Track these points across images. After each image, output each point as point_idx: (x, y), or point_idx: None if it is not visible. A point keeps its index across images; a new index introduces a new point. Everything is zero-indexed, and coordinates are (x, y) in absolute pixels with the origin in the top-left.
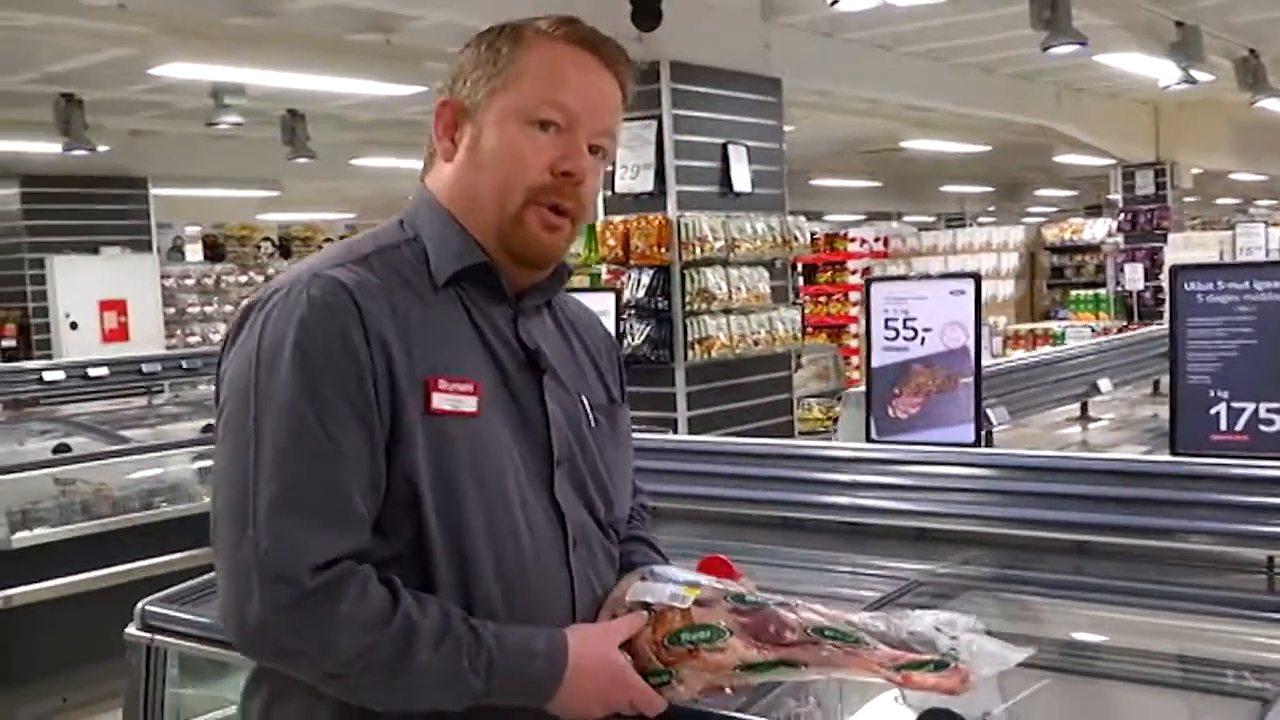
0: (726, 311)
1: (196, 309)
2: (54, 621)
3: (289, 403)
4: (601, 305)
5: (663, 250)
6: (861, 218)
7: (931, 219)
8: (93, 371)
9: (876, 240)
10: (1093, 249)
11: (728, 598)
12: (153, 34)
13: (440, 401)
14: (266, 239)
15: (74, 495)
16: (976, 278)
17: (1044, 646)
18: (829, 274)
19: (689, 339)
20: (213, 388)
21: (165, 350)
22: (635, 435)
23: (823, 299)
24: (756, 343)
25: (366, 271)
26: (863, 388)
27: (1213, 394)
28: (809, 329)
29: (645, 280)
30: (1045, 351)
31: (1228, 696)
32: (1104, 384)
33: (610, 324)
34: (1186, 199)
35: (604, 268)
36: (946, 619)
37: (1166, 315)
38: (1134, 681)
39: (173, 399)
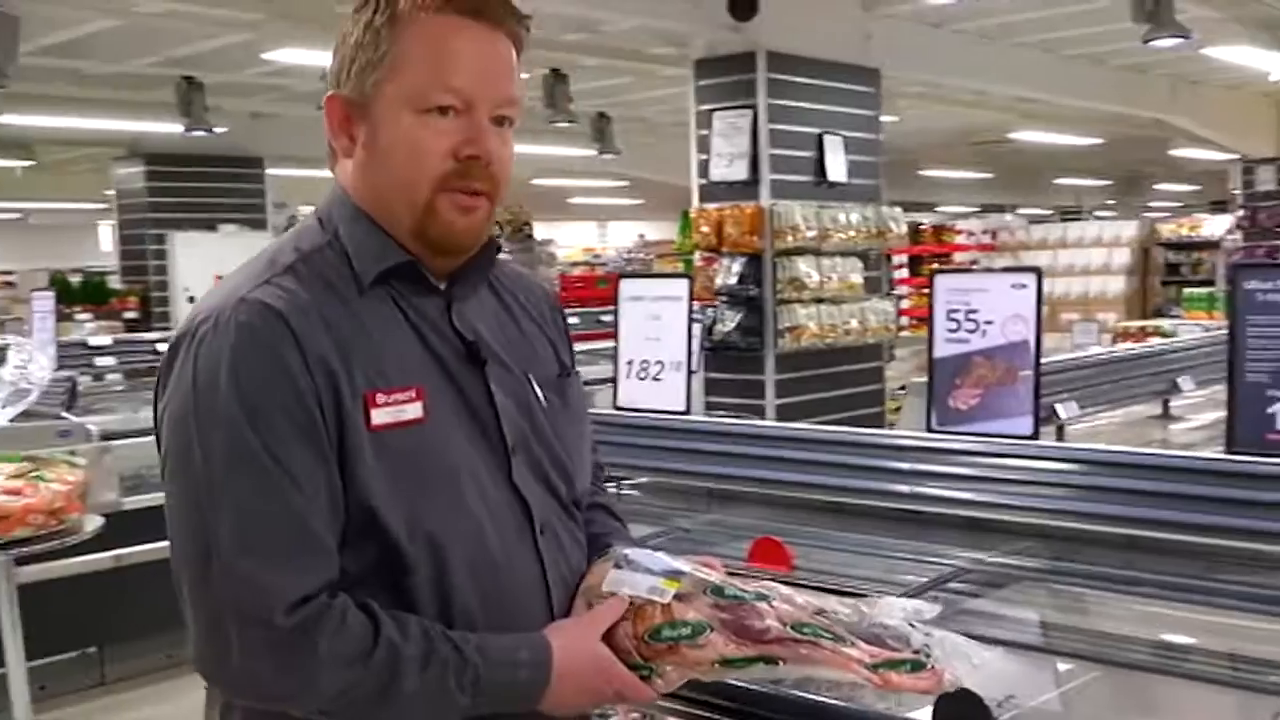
0: (818, 300)
1: None
2: (160, 581)
3: (234, 437)
4: (675, 292)
5: (755, 238)
6: (975, 209)
7: (1047, 212)
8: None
9: (984, 232)
10: (1211, 246)
11: (707, 591)
12: (266, 20)
13: (380, 416)
14: None
15: None
16: (1038, 272)
17: (1089, 638)
18: (935, 266)
19: (779, 327)
20: None
21: None
22: (711, 417)
23: (926, 291)
24: (848, 332)
25: (294, 283)
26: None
27: (1269, 393)
28: (913, 322)
29: (737, 268)
30: (1124, 347)
31: (1256, 692)
32: (1185, 382)
33: (684, 312)
34: None
35: (697, 254)
36: (914, 608)
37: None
38: (1168, 674)
39: None
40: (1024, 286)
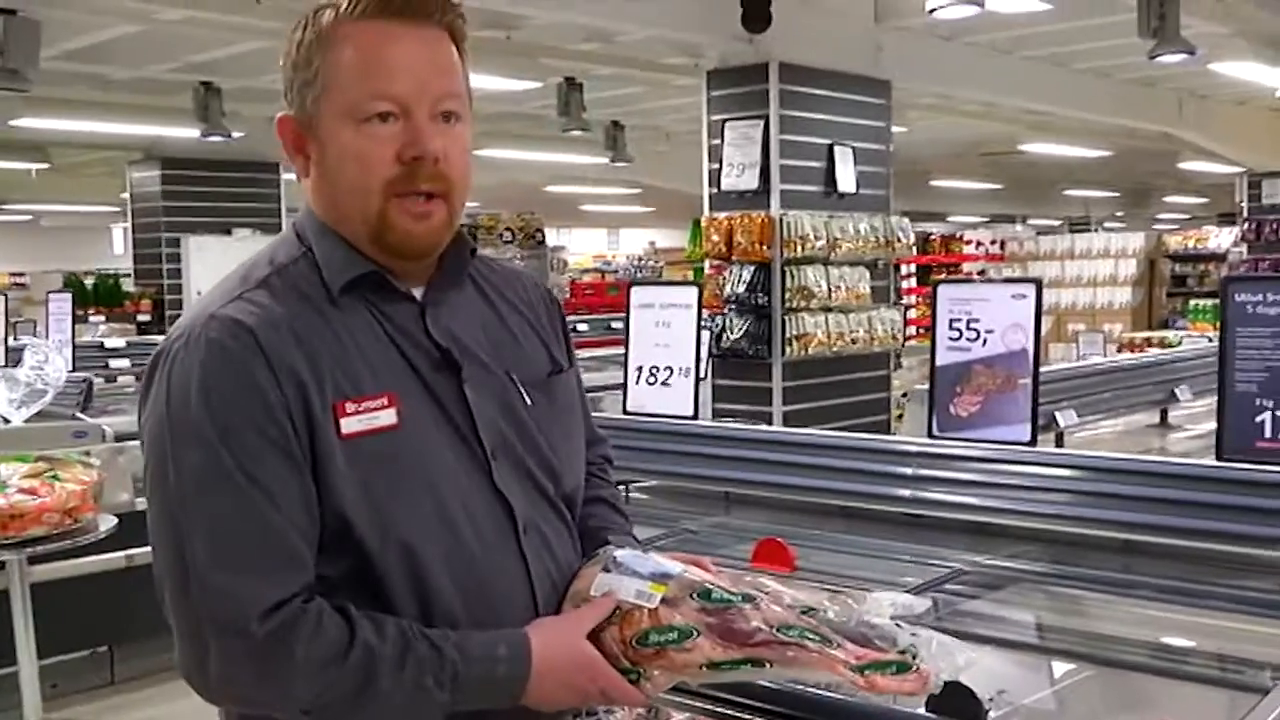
0: (826, 309)
1: None
2: None
3: (206, 453)
4: (684, 299)
5: (764, 247)
6: (985, 220)
7: (1056, 223)
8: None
9: (993, 243)
10: (1217, 258)
11: (694, 595)
12: (286, 28)
13: (351, 424)
14: None
15: None
16: (1038, 283)
17: (1084, 639)
18: (943, 276)
19: (787, 335)
20: None
21: None
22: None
23: None
24: (855, 341)
25: (267, 297)
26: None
27: (1259, 402)
28: (921, 331)
29: (746, 276)
30: (1122, 357)
31: (1235, 689)
32: (1183, 392)
33: (693, 320)
34: None
35: (707, 262)
36: (904, 603)
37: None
38: (1161, 674)
39: None
40: (1024, 297)
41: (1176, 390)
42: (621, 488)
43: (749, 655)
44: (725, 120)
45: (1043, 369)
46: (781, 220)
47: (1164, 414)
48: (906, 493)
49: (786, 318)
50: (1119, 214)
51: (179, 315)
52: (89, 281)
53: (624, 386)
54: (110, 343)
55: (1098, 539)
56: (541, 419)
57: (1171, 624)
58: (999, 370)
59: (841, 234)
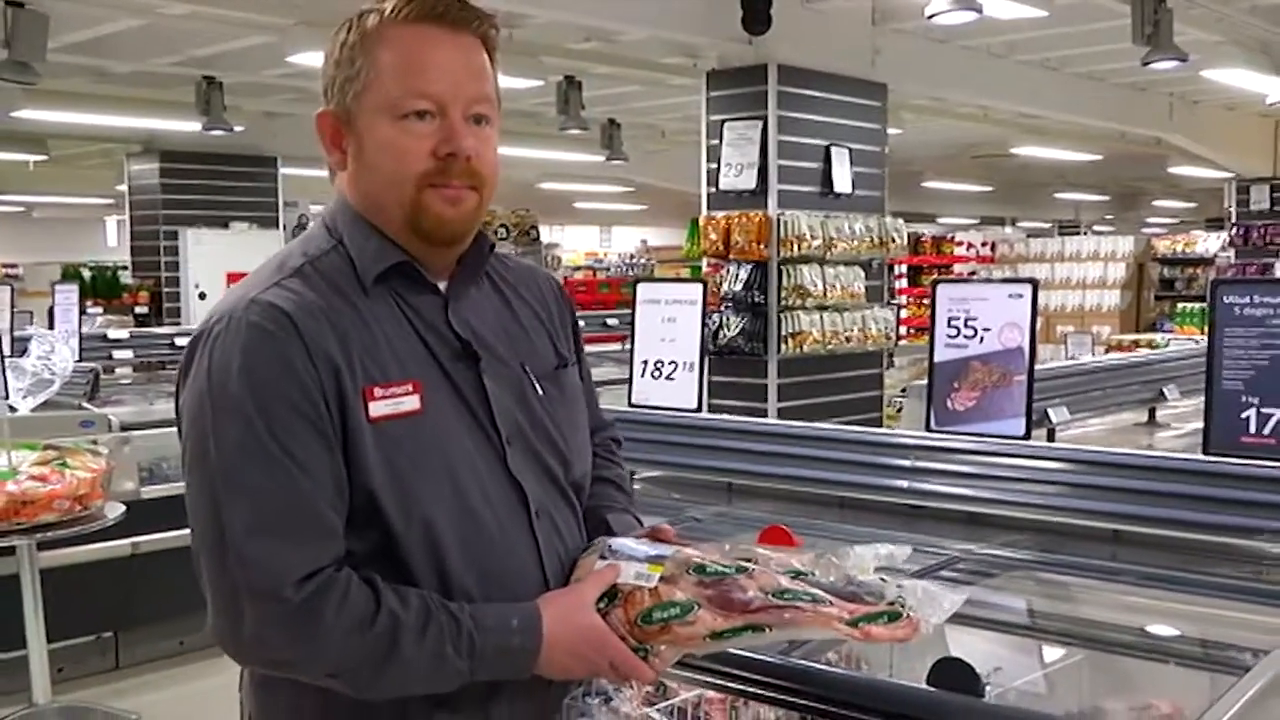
0: (821, 308)
1: None
2: (175, 569)
3: (245, 429)
4: (689, 296)
5: (761, 246)
6: (975, 222)
7: (1046, 225)
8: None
9: (983, 245)
10: (1205, 262)
11: (690, 570)
12: (292, 24)
13: (378, 408)
14: None
15: None
16: (1034, 283)
17: (1074, 623)
18: (934, 276)
19: (782, 333)
20: None
21: None
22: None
23: (925, 301)
24: (849, 340)
25: (302, 285)
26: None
27: (1244, 399)
28: (911, 330)
29: (743, 274)
30: (1112, 357)
31: (1216, 670)
32: (1171, 391)
33: (697, 315)
34: None
35: (704, 261)
36: (886, 554)
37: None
38: (1146, 657)
39: None
40: (1020, 296)
41: (1165, 389)
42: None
43: (748, 622)
44: (724, 120)
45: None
46: (778, 220)
47: (1152, 412)
48: (905, 484)
49: (782, 316)
50: (1108, 217)
51: (177, 307)
52: (86, 273)
53: (629, 380)
54: (114, 334)
55: (1088, 529)
56: (552, 409)
57: (1157, 610)
58: (995, 367)
59: (837, 234)
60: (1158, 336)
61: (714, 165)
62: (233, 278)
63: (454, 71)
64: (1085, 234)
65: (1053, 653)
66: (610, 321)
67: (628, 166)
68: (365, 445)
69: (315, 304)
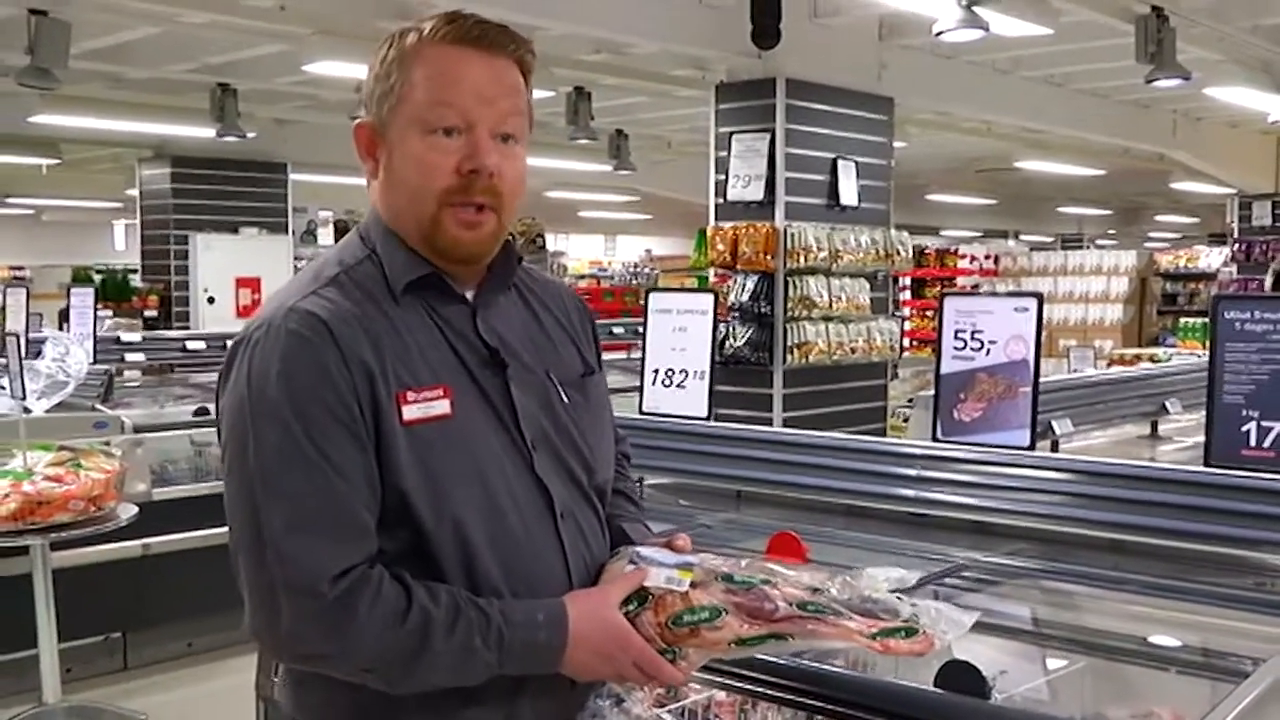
0: (826, 319)
1: None
2: (184, 571)
3: (283, 432)
4: (701, 306)
5: (768, 257)
6: (978, 234)
7: (1049, 239)
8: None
9: (987, 258)
10: (1208, 277)
11: (718, 578)
12: (308, 33)
13: (411, 412)
14: None
15: (209, 456)
16: (1039, 297)
17: (1077, 631)
18: (937, 289)
19: (788, 343)
20: None
21: None
22: (729, 425)
23: (929, 313)
24: (854, 350)
25: (338, 294)
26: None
27: (1245, 413)
28: (915, 343)
29: (750, 285)
30: (1115, 371)
31: (1216, 678)
32: (1173, 405)
33: (708, 325)
34: None
35: (712, 271)
36: (897, 576)
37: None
38: (1148, 665)
39: None
40: (1026, 309)
41: (1167, 403)
42: (636, 483)
43: (773, 630)
44: (732, 133)
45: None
46: (785, 231)
47: (1154, 426)
48: (911, 493)
49: (788, 326)
50: (1111, 232)
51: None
52: (96, 277)
53: (640, 388)
54: (126, 336)
55: (1091, 538)
56: (577, 416)
57: (1158, 618)
58: (1001, 378)
59: (843, 246)
60: (1160, 351)
61: (722, 177)
62: (242, 283)
63: (483, 89)
64: (1088, 248)
65: (1056, 659)
66: (616, 330)
67: (634, 176)
68: (398, 448)
69: (350, 312)
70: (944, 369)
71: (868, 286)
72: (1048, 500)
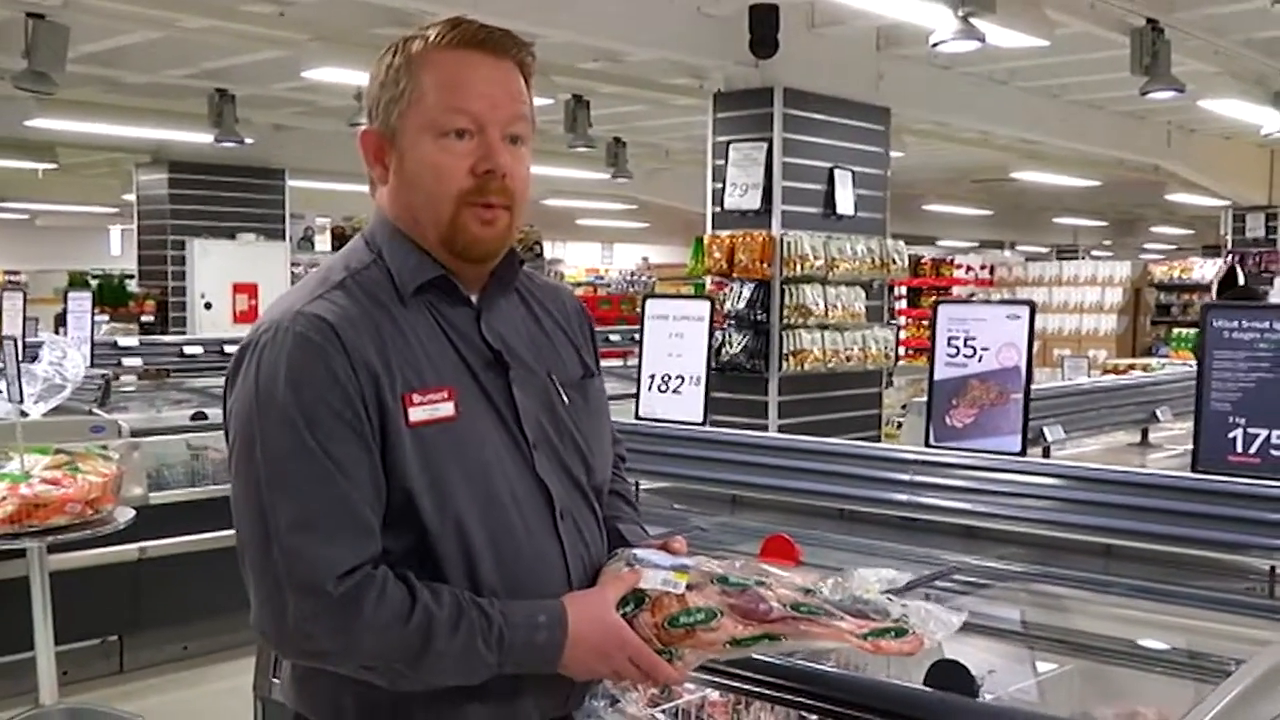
0: (822, 327)
1: None
2: (180, 575)
3: (290, 433)
4: (697, 312)
5: (765, 265)
6: (974, 245)
7: (1045, 249)
8: (228, 349)
9: (982, 268)
10: (1202, 288)
11: (713, 580)
12: (306, 39)
13: (417, 414)
14: None
15: (205, 460)
16: (1032, 305)
17: (1066, 634)
18: (933, 298)
19: (784, 351)
20: None
21: None
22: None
23: (925, 323)
24: (849, 359)
25: (344, 298)
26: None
27: (1232, 419)
28: (910, 351)
29: (746, 293)
30: (1107, 379)
31: (1200, 679)
32: (1162, 413)
33: (704, 332)
34: None
35: (708, 279)
36: (888, 577)
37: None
38: (1135, 667)
39: None
40: (1018, 317)
41: (1157, 411)
42: (631, 486)
43: (767, 631)
44: (730, 141)
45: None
46: (782, 240)
47: (1145, 433)
48: (904, 497)
49: (784, 334)
50: (1106, 242)
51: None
52: (92, 282)
53: (636, 393)
54: (123, 341)
55: (1080, 543)
56: (577, 417)
57: (1145, 621)
58: (993, 385)
59: (839, 254)
60: (1153, 361)
61: (719, 185)
62: (239, 288)
63: (492, 93)
64: (1083, 259)
65: (1044, 661)
66: (613, 338)
67: (632, 184)
68: (404, 448)
69: (356, 315)
70: (937, 375)
71: (863, 295)
72: (1038, 505)
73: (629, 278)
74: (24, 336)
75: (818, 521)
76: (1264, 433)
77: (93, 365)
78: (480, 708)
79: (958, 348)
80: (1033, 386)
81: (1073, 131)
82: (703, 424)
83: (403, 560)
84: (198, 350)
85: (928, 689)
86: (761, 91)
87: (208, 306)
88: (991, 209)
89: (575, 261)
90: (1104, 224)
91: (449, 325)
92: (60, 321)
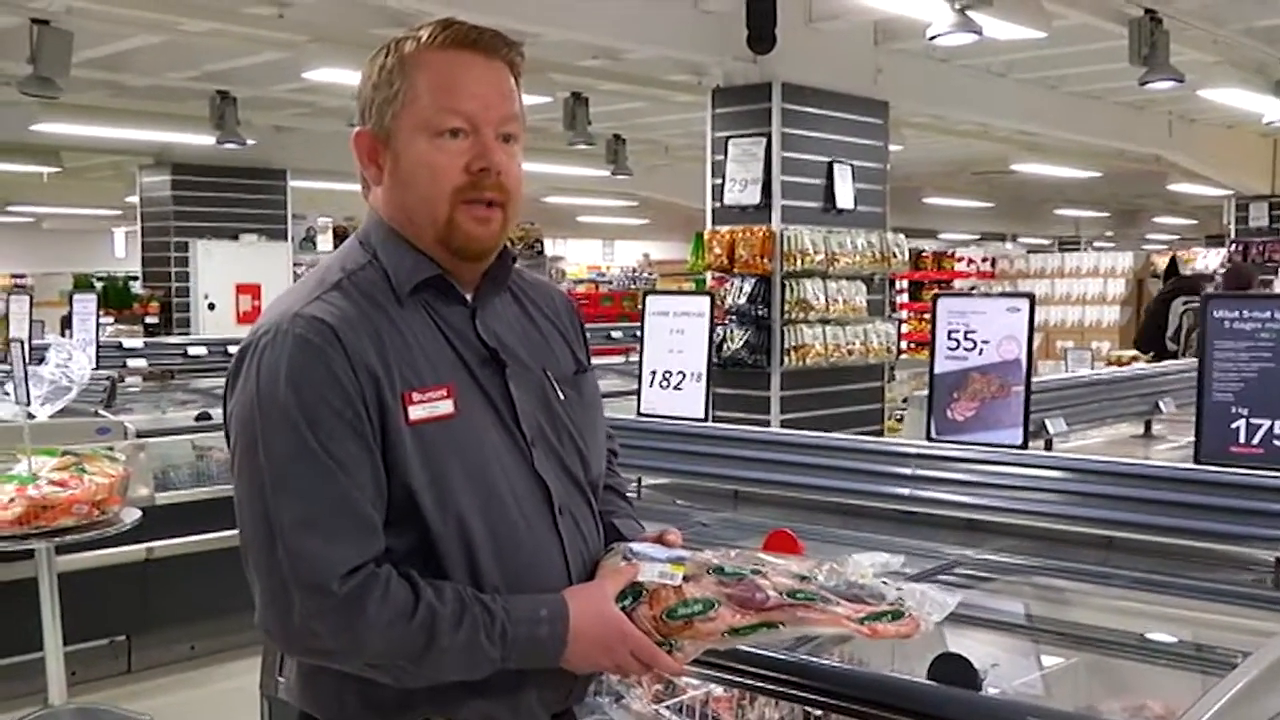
0: (823, 321)
1: None
2: (187, 575)
3: (292, 434)
4: (697, 308)
5: (765, 260)
6: (975, 238)
7: (1046, 241)
8: (232, 349)
9: (984, 260)
10: (1205, 279)
11: (710, 571)
12: (306, 41)
13: (417, 412)
14: None
15: (210, 461)
16: (1031, 297)
17: (1069, 626)
18: (934, 291)
19: (785, 346)
20: None
21: None
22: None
23: (926, 316)
24: (850, 353)
25: (342, 299)
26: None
27: (1234, 410)
28: (912, 345)
29: (747, 288)
30: (1109, 371)
31: (1205, 671)
32: (1165, 404)
33: (705, 327)
34: None
35: (709, 274)
36: (883, 561)
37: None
38: (1138, 659)
39: None
40: (1018, 310)
41: (1160, 403)
42: (634, 483)
43: (764, 619)
44: (729, 137)
45: (1033, 380)
46: (782, 234)
47: (1148, 425)
48: (905, 491)
49: (785, 329)
50: (1109, 234)
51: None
52: (97, 284)
53: (638, 390)
54: (129, 343)
55: (1082, 535)
56: (572, 412)
57: (1149, 613)
58: (994, 378)
59: (839, 249)
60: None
61: (719, 181)
62: (242, 289)
63: (485, 93)
64: (1085, 250)
65: (1048, 654)
66: (614, 334)
67: (632, 181)
68: (405, 447)
69: (354, 316)
70: (938, 369)
71: (864, 289)
72: (1039, 497)
73: (630, 274)
74: (30, 339)
75: (820, 516)
76: (1267, 423)
77: (98, 367)
78: (483, 703)
79: (958, 341)
80: (1035, 379)
81: (1072, 123)
82: (704, 420)
83: (405, 558)
84: (202, 351)
85: (932, 683)
86: (760, 87)
87: (211, 307)
88: (992, 201)
89: (576, 259)
90: (1106, 215)
91: (445, 324)
92: (66, 324)
